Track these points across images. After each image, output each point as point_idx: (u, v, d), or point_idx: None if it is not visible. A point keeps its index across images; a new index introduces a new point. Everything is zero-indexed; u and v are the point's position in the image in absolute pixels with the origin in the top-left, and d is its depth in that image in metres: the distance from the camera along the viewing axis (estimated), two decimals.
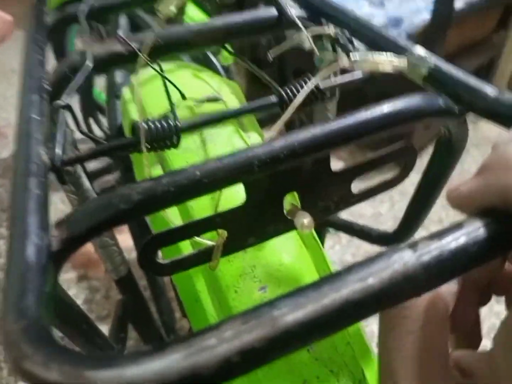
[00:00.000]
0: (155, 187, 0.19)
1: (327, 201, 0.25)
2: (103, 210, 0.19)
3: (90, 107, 0.84)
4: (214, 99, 0.38)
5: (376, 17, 1.61)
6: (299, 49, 0.32)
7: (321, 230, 0.50)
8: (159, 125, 0.25)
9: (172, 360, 0.12)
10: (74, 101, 0.65)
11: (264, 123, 0.43)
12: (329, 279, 0.14)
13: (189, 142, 0.35)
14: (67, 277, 1.05)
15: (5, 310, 0.14)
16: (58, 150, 0.24)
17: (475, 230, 0.15)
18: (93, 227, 0.19)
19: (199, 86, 0.40)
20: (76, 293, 1.03)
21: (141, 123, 0.25)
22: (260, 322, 0.12)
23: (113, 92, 0.66)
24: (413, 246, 0.15)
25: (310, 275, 0.31)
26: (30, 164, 0.21)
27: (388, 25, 1.50)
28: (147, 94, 0.40)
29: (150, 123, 0.25)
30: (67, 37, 0.78)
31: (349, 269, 0.14)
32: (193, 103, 0.37)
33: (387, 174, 0.29)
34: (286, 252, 0.31)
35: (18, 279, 0.15)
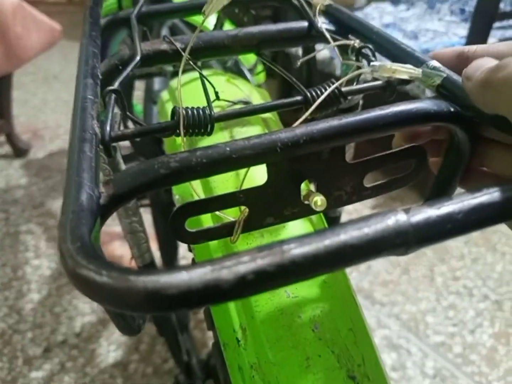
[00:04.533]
0: (190, 157, 0.23)
1: (340, 190, 0.28)
2: (145, 173, 0.22)
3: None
4: (245, 102, 0.41)
5: None
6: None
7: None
8: (195, 113, 0.28)
9: (199, 273, 0.15)
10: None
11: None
12: (331, 228, 0.17)
13: (220, 137, 0.38)
14: None
15: (63, 235, 0.17)
16: (107, 128, 0.28)
17: None
18: (135, 188, 0.22)
19: (232, 90, 0.44)
20: None
21: (181, 108, 0.28)
22: (271, 252, 0.15)
23: (151, 97, 0.71)
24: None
25: None
26: (86, 133, 0.24)
27: None
28: (185, 94, 0.44)
29: (189, 110, 0.28)
30: (111, 43, 0.84)
31: (350, 222, 0.16)
32: (226, 104, 0.40)
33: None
34: None
35: (74, 215, 0.19)
